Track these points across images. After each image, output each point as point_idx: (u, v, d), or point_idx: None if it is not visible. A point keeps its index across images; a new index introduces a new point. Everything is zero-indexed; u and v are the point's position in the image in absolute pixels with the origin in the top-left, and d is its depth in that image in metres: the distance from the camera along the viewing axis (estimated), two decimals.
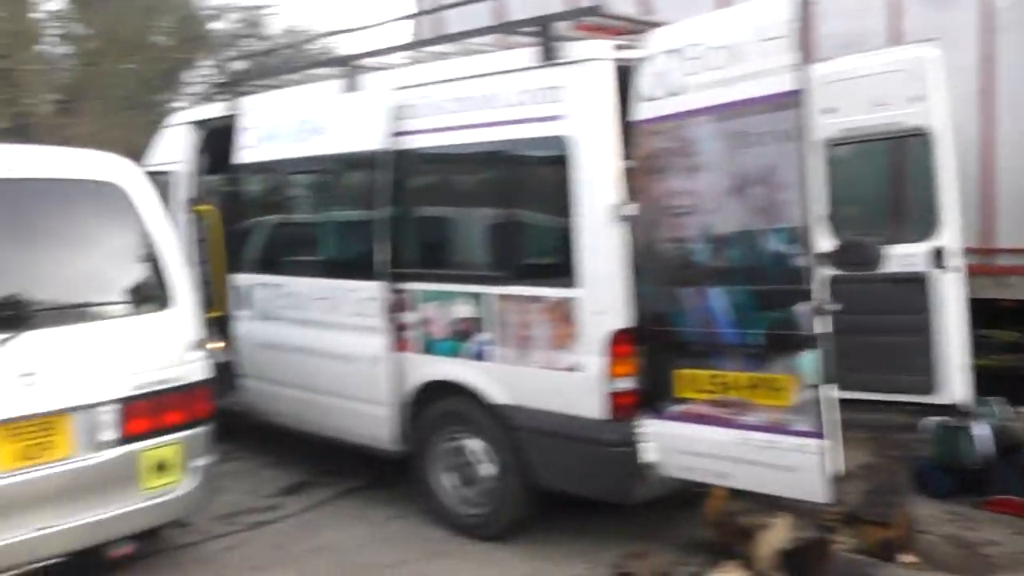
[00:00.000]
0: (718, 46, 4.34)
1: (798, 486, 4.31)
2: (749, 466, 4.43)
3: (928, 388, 6.14)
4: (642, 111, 4.68)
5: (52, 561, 4.48)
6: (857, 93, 6.22)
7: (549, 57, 4.94)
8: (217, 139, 7.25)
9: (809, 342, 4.15)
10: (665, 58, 4.57)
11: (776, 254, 4.24)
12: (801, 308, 4.16)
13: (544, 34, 4.98)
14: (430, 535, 5.54)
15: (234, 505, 6.02)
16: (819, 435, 4.17)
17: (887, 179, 6.80)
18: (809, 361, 4.15)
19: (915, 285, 6.12)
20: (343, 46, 11.63)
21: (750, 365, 4.38)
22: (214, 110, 7.41)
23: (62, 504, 4.41)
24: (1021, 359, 6.69)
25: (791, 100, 4.07)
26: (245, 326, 6.74)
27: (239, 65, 12.86)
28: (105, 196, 4.76)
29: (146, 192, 4.92)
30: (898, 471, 5.86)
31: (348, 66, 6.13)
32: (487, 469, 5.33)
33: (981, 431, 5.79)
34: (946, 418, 5.95)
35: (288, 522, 5.89)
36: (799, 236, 4.15)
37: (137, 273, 4.88)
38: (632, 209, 4.70)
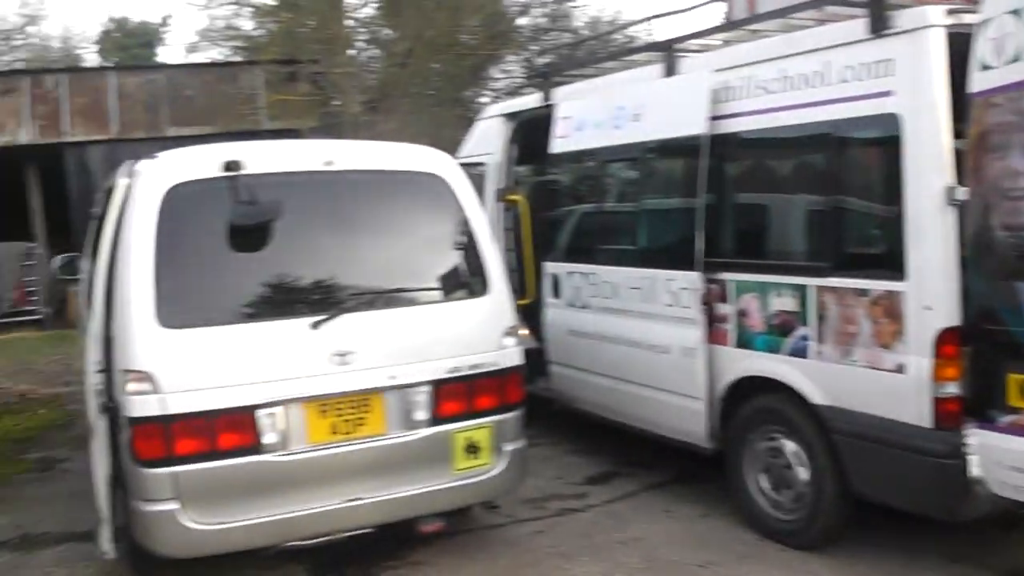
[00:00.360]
0: None
1: None
2: None
3: None
4: (979, 82, 4.20)
5: (360, 532, 4.73)
6: None
7: (878, 28, 4.60)
8: (528, 130, 7.45)
9: None
10: (1006, 20, 4.06)
11: None
12: None
13: (873, 2, 4.63)
14: (739, 537, 5.36)
15: (541, 490, 6.12)
16: None
17: None
18: None
19: None
20: (651, 32, 11.57)
21: None
22: (526, 102, 7.58)
23: (373, 478, 4.64)
24: None
25: None
26: (555, 313, 6.84)
27: (549, 57, 13.10)
28: (426, 187, 4.97)
29: (464, 183, 5.09)
30: None
31: (666, 50, 6.04)
32: (802, 473, 5.07)
33: None
34: None
35: (595, 512, 5.89)
36: None
37: (455, 260, 5.07)
38: (964, 193, 4.27)
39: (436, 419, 4.73)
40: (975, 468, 4.29)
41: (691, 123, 5.55)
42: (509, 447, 5.00)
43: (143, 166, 4.61)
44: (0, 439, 8.75)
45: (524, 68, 18.57)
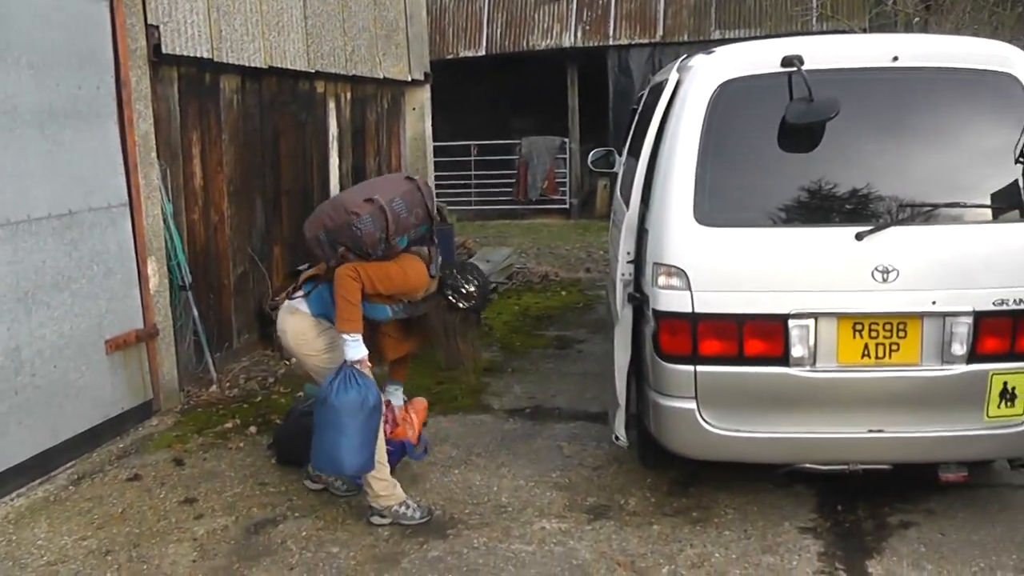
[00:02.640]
0: None
1: None
2: None
3: None
4: None
5: (877, 467, 4.43)
6: None
7: None
8: None
9: None
10: None
11: None
12: None
13: None
14: None
15: None
16: None
17: None
18: None
19: None
20: None
21: None
22: None
23: (899, 412, 4.29)
24: None
25: None
26: None
27: None
28: (996, 88, 4.34)
29: None
30: None
31: None
32: None
33: None
34: None
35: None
36: None
37: (1015, 176, 4.35)
38: None
39: (974, 356, 4.23)
40: None
41: None
42: None
43: (697, 61, 4.55)
44: (522, 315, 9.47)
45: None
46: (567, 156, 18.49)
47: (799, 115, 4.19)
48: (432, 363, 6.34)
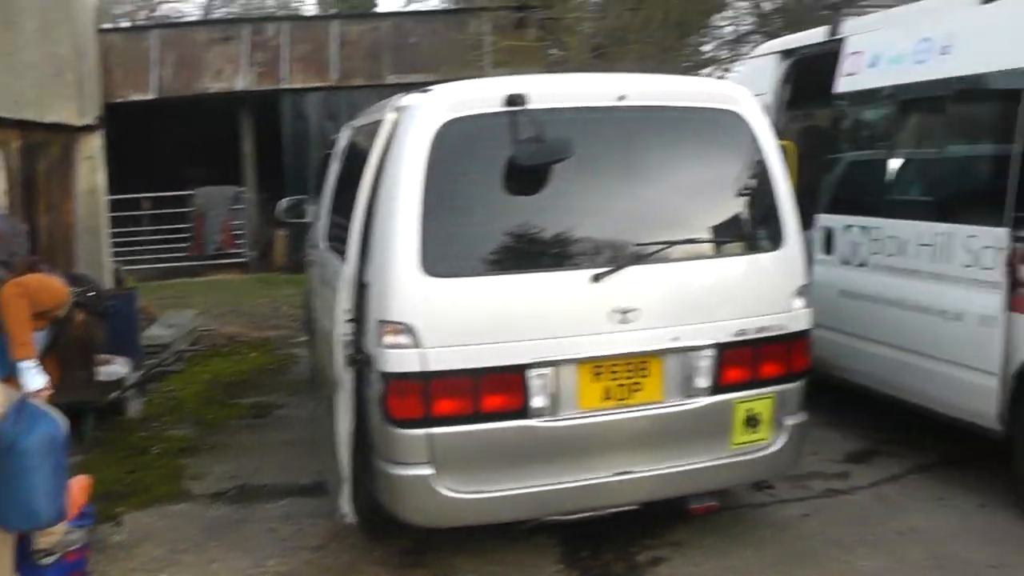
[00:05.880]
0: None
1: None
2: None
3: None
4: None
5: (625, 508, 4.35)
6: None
7: None
8: (803, 69, 6.88)
9: None
10: None
11: None
12: None
13: None
14: None
15: (801, 467, 5.45)
16: None
17: None
18: None
19: None
20: None
21: None
22: (805, 37, 7.01)
23: (646, 450, 4.23)
24: None
25: None
26: (825, 272, 6.16)
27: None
28: (724, 125, 4.44)
29: (764, 123, 4.54)
30: None
31: None
32: None
33: None
34: None
35: (862, 494, 5.33)
36: None
37: (748, 209, 4.52)
38: None
39: (718, 387, 4.26)
40: None
41: (1016, 56, 4.79)
42: (790, 421, 4.51)
43: (414, 100, 4.23)
44: (212, 383, 8.68)
45: (754, 14, 17.65)
46: (243, 206, 17.68)
47: (529, 156, 4.01)
48: (121, 451, 5.63)
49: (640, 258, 4.15)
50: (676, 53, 15.83)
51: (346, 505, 4.30)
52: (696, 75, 16.96)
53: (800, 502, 5.19)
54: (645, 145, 4.37)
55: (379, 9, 20.24)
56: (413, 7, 20.17)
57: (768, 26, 17.28)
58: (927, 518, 4.97)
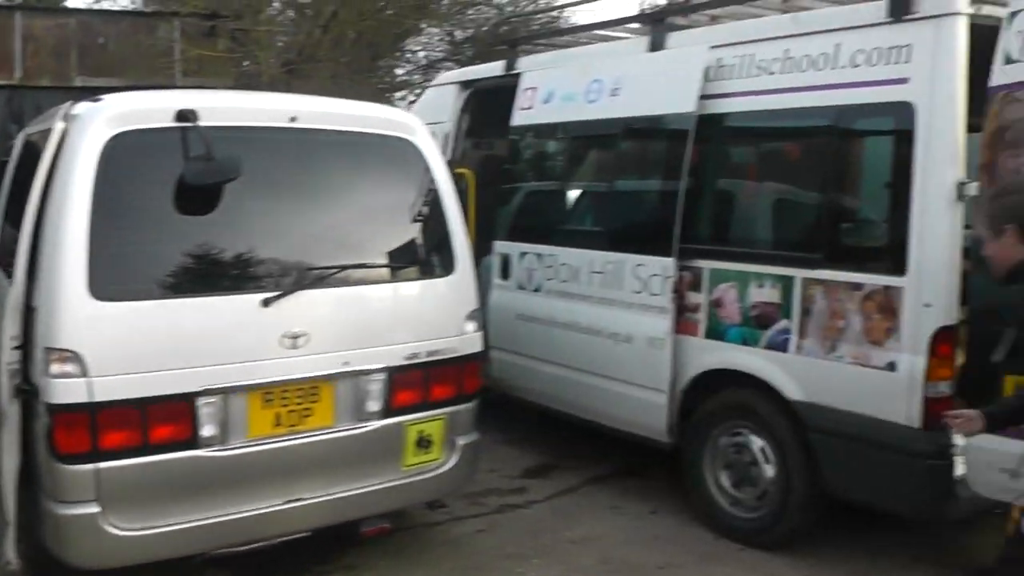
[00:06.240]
0: None
1: None
2: None
3: None
4: (1001, 76, 4.02)
5: (299, 536, 4.29)
6: None
7: (898, 12, 4.36)
8: (483, 100, 7.04)
9: None
10: None
11: None
12: None
13: None
14: (695, 535, 5.13)
15: (478, 484, 5.64)
16: None
17: None
18: None
19: None
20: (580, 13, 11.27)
21: None
22: (484, 69, 7.21)
23: (318, 476, 4.20)
24: None
25: None
26: (502, 296, 6.41)
27: (495, 28, 12.70)
28: (397, 152, 4.49)
29: (436, 151, 4.65)
30: None
31: (656, 23, 5.72)
32: (768, 471, 4.85)
33: None
34: None
35: (539, 508, 5.56)
36: None
37: (420, 235, 4.61)
38: (975, 188, 4.09)
39: (389, 410, 4.30)
40: (960, 469, 4.17)
41: (679, 101, 5.22)
42: (462, 440, 4.63)
43: (84, 109, 3.93)
44: None
45: (446, 41, 18.09)
46: None
47: (198, 175, 3.86)
48: None
49: (311, 282, 4.11)
50: (369, 75, 15.92)
51: (10, 551, 3.92)
52: (389, 98, 17.19)
53: (476, 518, 5.33)
54: (319, 169, 4.34)
55: (68, 4, 18.68)
56: (102, 5, 18.81)
57: (460, 54, 17.84)
58: (601, 526, 5.25)
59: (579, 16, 17.86)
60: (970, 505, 4.28)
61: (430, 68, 17.59)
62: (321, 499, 4.18)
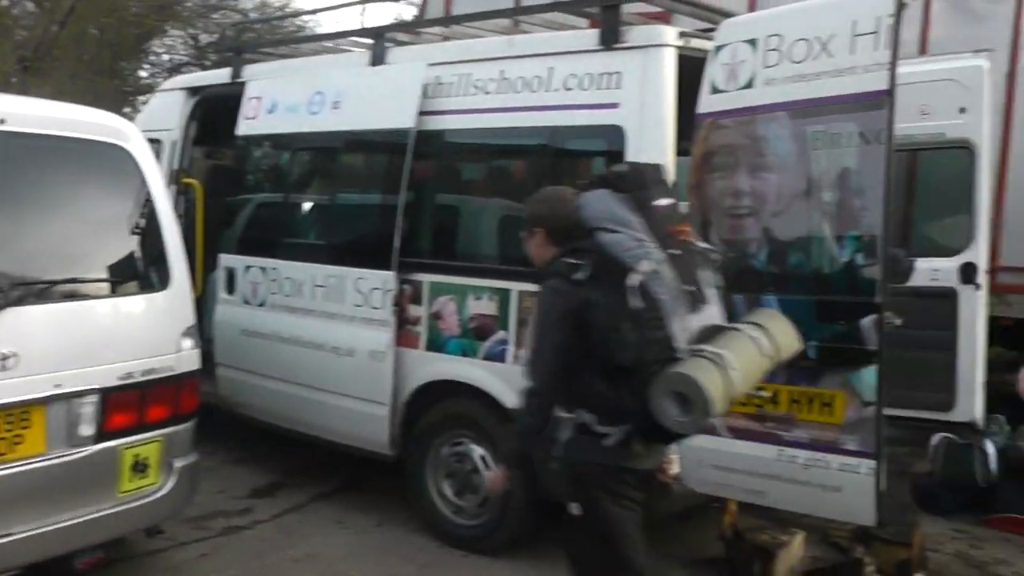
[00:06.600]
0: (800, 38, 4.03)
1: (843, 507, 4.05)
2: (788, 484, 4.12)
3: (947, 405, 5.89)
4: (708, 104, 4.33)
5: (10, 573, 3.98)
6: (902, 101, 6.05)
7: (609, 40, 4.63)
8: (211, 108, 6.82)
9: (870, 357, 3.88)
10: (741, 48, 4.22)
11: (844, 262, 3.96)
12: (866, 321, 3.89)
13: (606, 16, 4.68)
14: (419, 545, 5.21)
15: (202, 507, 5.52)
16: (870, 455, 3.90)
17: (917, 189, 6.61)
18: (868, 377, 3.90)
19: (944, 300, 5.88)
20: (322, 22, 11.26)
21: (800, 379, 4.08)
22: (212, 76, 7.00)
23: (29, 508, 3.89)
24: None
25: (878, 100, 3.80)
26: (227, 311, 6.24)
27: (233, 33, 12.28)
28: (109, 160, 4.26)
29: (151, 159, 4.45)
30: (905, 488, 5.72)
31: (376, 38, 5.74)
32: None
33: (990, 449, 5.79)
34: (951, 435, 5.85)
35: (263, 528, 5.47)
36: (872, 245, 3.87)
37: (135, 248, 4.39)
38: (684, 208, 4.38)
39: (103, 434, 4.07)
40: (674, 467, 4.37)
41: (398, 116, 5.29)
42: (180, 463, 4.44)
43: None
44: None
45: (190, 45, 17.44)
46: None
47: None
48: None
49: (18, 299, 3.83)
50: (112, 76, 15.10)
51: None
52: (132, 101, 16.38)
53: (199, 543, 5.17)
54: (26, 175, 4.04)
55: None
56: None
57: (204, 59, 17.30)
58: (325, 542, 5.24)
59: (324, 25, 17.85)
60: (682, 501, 4.55)
61: (175, 71, 16.93)
62: (32, 533, 3.87)
